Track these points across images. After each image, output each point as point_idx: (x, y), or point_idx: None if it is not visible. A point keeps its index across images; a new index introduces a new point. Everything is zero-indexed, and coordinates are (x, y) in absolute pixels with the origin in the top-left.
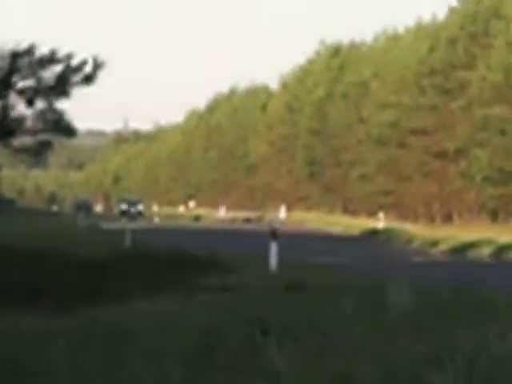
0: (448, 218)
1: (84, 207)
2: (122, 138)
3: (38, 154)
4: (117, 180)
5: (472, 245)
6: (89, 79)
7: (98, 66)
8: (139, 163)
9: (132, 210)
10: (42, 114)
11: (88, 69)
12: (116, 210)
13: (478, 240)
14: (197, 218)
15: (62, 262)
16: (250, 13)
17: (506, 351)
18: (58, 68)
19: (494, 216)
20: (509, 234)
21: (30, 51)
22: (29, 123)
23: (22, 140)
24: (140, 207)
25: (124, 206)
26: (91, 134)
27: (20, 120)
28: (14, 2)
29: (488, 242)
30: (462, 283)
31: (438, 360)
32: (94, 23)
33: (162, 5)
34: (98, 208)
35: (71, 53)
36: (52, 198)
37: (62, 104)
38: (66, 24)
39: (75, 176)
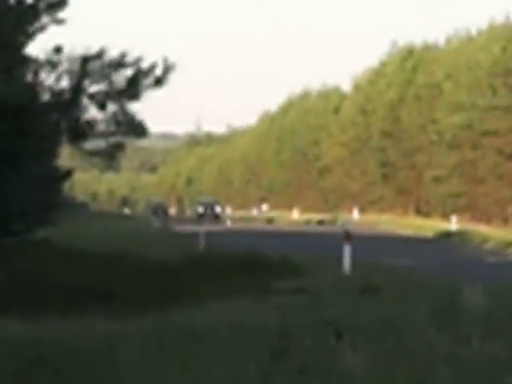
0: None
1: (160, 210)
2: (194, 141)
3: (110, 156)
4: (189, 182)
5: None
6: (159, 82)
7: (168, 68)
8: (212, 166)
9: (209, 212)
10: (113, 117)
11: (158, 71)
12: (194, 213)
13: None
14: (270, 221)
15: (136, 265)
16: (322, 14)
17: None
18: (128, 71)
19: None
20: None
21: (100, 55)
22: (101, 126)
23: (94, 143)
24: (218, 209)
25: (201, 209)
26: (163, 136)
27: (92, 123)
28: (83, 6)
29: None
30: None
31: None
32: (164, 24)
33: (234, 6)
34: (172, 210)
35: (141, 56)
36: (124, 201)
37: (133, 107)
38: (136, 26)
39: (148, 179)
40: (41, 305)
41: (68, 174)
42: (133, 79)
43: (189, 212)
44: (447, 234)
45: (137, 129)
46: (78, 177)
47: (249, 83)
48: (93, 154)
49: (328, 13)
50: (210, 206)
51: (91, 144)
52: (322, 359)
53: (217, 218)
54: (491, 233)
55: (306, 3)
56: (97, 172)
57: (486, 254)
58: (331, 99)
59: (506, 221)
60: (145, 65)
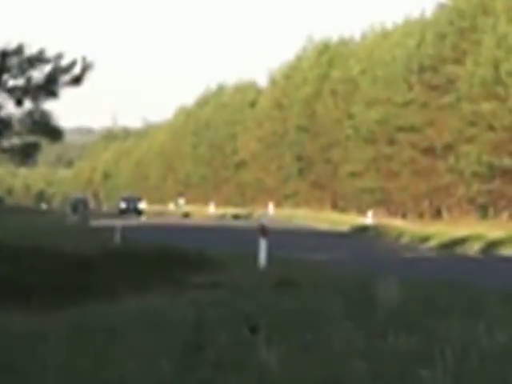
0: (437, 214)
1: (81, 205)
2: (111, 136)
3: (25, 155)
4: (106, 177)
5: (461, 240)
6: (77, 80)
7: (86, 66)
8: (129, 160)
9: (132, 207)
10: (29, 115)
11: (77, 70)
12: (116, 208)
13: (468, 236)
14: (186, 215)
15: (51, 259)
16: (238, 9)
17: (494, 346)
18: (47, 68)
19: (484, 211)
20: (498, 230)
21: (19, 50)
22: (16, 124)
23: (9, 140)
24: (141, 205)
25: (124, 204)
26: (80, 131)
27: (8, 120)
28: (2, 2)
29: (477, 237)
30: (452, 279)
31: (427, 356)
32: (81, 22)
33: (148, 3)
34: (90, 204)
35: (60, 53)
36: (41, 196)
37: (49, 103)
38: (55, 24)
39: (64, 173)
40: None
41: None
42: (51, 76)
43: (105, 207)
44: (363, 229)
45: (52, 131)
46: None
47: (165, 78)
48: (7, 151)
49: (244, 7)
50: (132, 202)
51: (6, 141)
52: (237, 354)
53: (140, 213)
54: (407, 227)
55: None
56: (12, 166)
57: (401, 248)
58: (247, 93)
59: (421, 215)
60: (64, 62)
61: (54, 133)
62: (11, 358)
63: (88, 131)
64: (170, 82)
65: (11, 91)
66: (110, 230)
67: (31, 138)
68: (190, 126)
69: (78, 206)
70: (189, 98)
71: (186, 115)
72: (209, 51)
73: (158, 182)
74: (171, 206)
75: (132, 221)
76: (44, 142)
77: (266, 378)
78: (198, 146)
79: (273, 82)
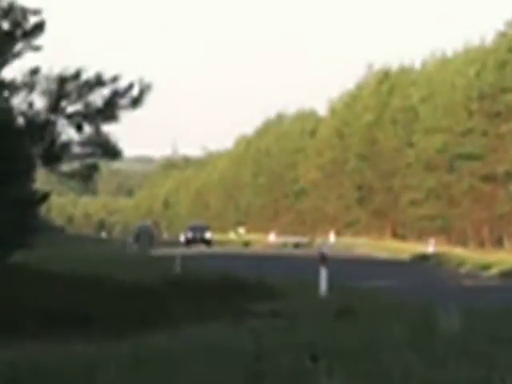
0: (498, 242)
1: (145, 236)
2: (170, 164)
3: (86, 178)
4: (166, 206)
5: None
6: (136, 102)
7: (144, 88)
8: (189, 189)
9: (198, 237)
10: (88, 139)
11: (135, 92)
12: (183, 238)
13: None
14: (246, 244)
15: (113, 288)
16: (298, 37)
17: None
18: (105, 91)
19: None
20: None
21: (77, 75)
22: (76, 148)
23: (70, 165)
24: (208, 234)
25: (190, 234)
26: (140, 160)
27: (67, 145)
28: (59, 27)
29: None
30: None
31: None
32: (141, 47)
33: (212, 29)
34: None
35: (117, 75)
36: (101, 225)
37: (109, 128)
38: (112, 46)
39: (125, 202)
40: (17, 329)
41: (44, 197)
42: (109, 99)
43: (166, 236)
44: (424, 257)
45: (111, 151)
46: (55, 200)
47: (225, 106)
48: (68, 175)
49: (304, 36)
50: (200, 231)
51: (67, 166)
52: (299, 382)
53: (208, 243)
54: (467, 255)
55: (282, 26)
56: (73, 195)
57: (462, 277)
58: (307, 122)
59: (481, 244)
60: (121, 85)
61: (113, 152)
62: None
63: (148, 160)
64: (230, 111)
65: (69, 117)
66: (171, 258)
67: (90, 161)
68: (250, 155)
69: (141, 234)
70: (249, 127)
71: (246, 144)
72: (269, 80)
73: (218, 211)
74: (231, 235)
75: (193, 249)
76: (105, 171)
77: None
78: (259, 174)
79: (333, 110)
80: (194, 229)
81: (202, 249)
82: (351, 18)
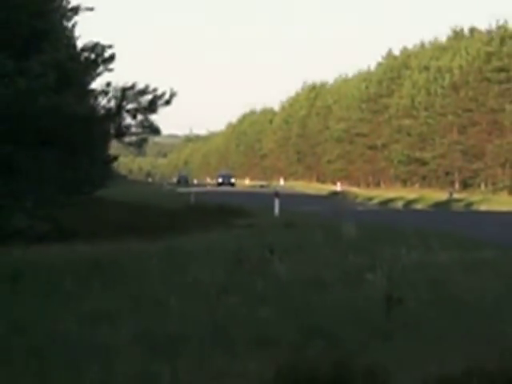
0: (378, 184)
1: (183, 179)
2: (188, 139)
3: (139, 146)
4: (185, 163)
5: (391, 200)
6: (168, 102)
7: (172, 94)
8: (199, 154)
9: (227, 181)
10: (141, 123)
11: (167, 96)
12: (215, 181)
13: (395, 197)
14: (232, 185)
15: (154, 210)
16: (256, 59)
17: (411, 261)
18: (149, 96)
19: (404, 183)
20: (413, 194)
21: (133, 86)
22: (133, 128)
23: (130, 138)
24: (232, 180)
25: (220, 179)
26: (170, 136)
27: (128, 126)
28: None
29: (401, 198)
30: (386, 222)
31: (371, 266)
32: (167, 67)
33: (206, 36)
34: (175, 179)
35: (156, 87)
36: (148, 174)
37: (153, 117)
38: (152, 68)
39: (162, 161)
40: (99, 234)
41: (115, 158)
42: (152, 101)
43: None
44: (335, 193)
45: (154, 130)
46: (121, 160)
47: (221, 102)
48: (129, 144)
49: (259, 60)
50: (227, 177)
51: (128, 139)
52: (262, 265)
53: (232, 185)
54: (360, 192)
55: (241, 44)
56: (132, 157)
57: (356, 204)
58: (268, 114)
59: (368, 185)
60: (159, 92)
61: (155, 130)
62: (128, 266)
63: (175, 137)
64: (222, 107)
65: (129, 111)
66: (189, 194)
67: (142, 136)
68: (235, 134)
69: (181, 178)
70: (234, 117)
71: (232, 127)
72: (248, 85)
73: (216, 166)
74: (208, 180)
75: (201, 189)
76: (151, 143)
77: (279, 279)
78: (239, 145)
79: (283, 108)
80: (223, 176)
81: (206, 189)
82: (292, 43)
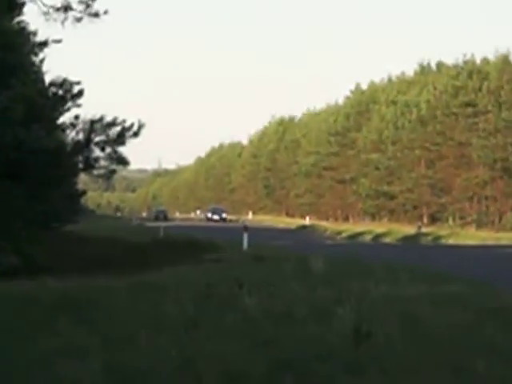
0: (346, 219)
1: (162, 215)
2: (157, 173)
3: (108, 178)
4: (154, 198)
5: (360, 234)
6: (136, 134)
7: (141, 126)
8: (167, 188)
9: (217, 217)
10: (109, 155)
11: (135, 128)
12: (203, 216)
13: (364, 231)
14: (201, 220)
15: (123, 245)
16: (219, 92)
17: (379, 294)
18: (117, 128)
19: (373, 217)
20: (381, 228)
21: (101, 119)
22: (101, 161)
23: (99, 171)
24: (224, 215)
25: (210, 214)
26: (139, 171)
27: (97, 159)
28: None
29: (369, 232)
30: (355, 256)
31: (340, 300)
32: (132, 96)
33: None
34: (144, 214)
35: (124, 119)
36: (117, 208)
37: (121, 149)
38: (120, 99)
39: (130, 195)
40: (67, 269)
41: (84, 192)
42: (120, 133)
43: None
44: (303, 227)
45: (123, 161)
46: (89, 194)
47: (188, 137)
48: (98, 177)
49: (222, 93)
50: (219, 212)
51: (96, 171)
52: (231, 300)
53: (224, 220)
54: (328, 226)
55: (214, 75)
56: (100, 191)
57: (325, 238)
58: (236, 148)
59: (336, 219)
60: (127, 124)
61: (124, 162)
62: (97, 299)
63: (144, 171)
64: (191, 141)
65: (97, 144)
66: (158, 228)
67: (111, 167)
68: (204, 168)
69: (160, 214)
70: (203, 151)
71: (201, 161)
72: (216, 119)
73: (184, 201)
74: (192, 215)
75: (170, 223)
76: (119, 178)
77: (248, 313)
78: (208, 179)
79: (251, 141)
80: (213, 210)
81: (177, 222)
82: (257, 76)
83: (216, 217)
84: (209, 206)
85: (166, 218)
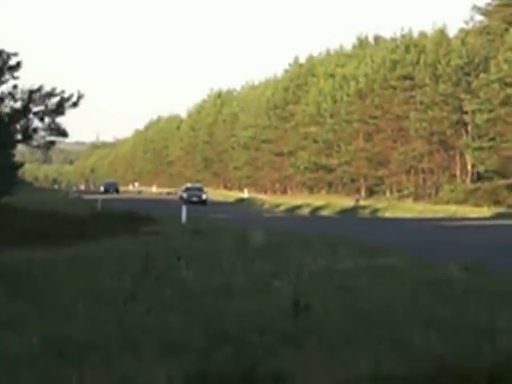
0: (285, 191)
1: (112, 188)
2: (95, 146)
3: (46, 149)
4: (92, 171)
5: (298, 207)
6: (75, 104)
7: (80, 96)
8: (105, 161)
9: (194, 195)
10: (48, 126)
11: (74, 98)
12: (181, 196)
13: (302, 204)
14: (139, 192)
15: (61, 217)
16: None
17: (317, 267)
18: (56, 98)
19: (311, 190)
20: (319, 201)
21: (40, 89)
22: (40, 132)
23: (37, 142)
24: (204, 196)
25: (185, 194)
26: (77, 143)
27: (36, 129)
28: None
29: (307, 205)
30: (292, 228)
31: (279, 273)
32: (79, 64)
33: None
34: (81, 187)
35: (64, 89)
36: (54, 181)
37: (60, 120)
38: (60, 69)
39: (68, 168)
40: (3, 242)
41: (21, 165)
42: (59, 103)
43: (92, 187)
44: (242, 200)
45: (62, 132)
46: (26, 167)
47: (128, 110)
48: (36, 147)
49: (175, 68)
50: (195, 190)
51: (35, 141)
52: (169, 272)
53: (204, 202)
54: (267, 199)
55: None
56: (37, 164)
57: (263, 211)
58: (175, 121)
59: (275, 192)
60: (66, 94)
61: (63, 133)
62: (34, 274)
63: (82, 144)
64: (129, 114)
65: (36, 113)
66: (95, 201)
67: (50, 139)
68: (142, 141)
69: (109, 188)
70: (141, 124)
71: (139, 134)
72: (154, 92)
73: (123, 174)
74: (130, 187)
75: (108, 196)
76: (57, 149)
77: (186, 286)
78: (146, 152)
79: (189, 115)
80: (189, 189)
81: (113, 195)
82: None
83: (195, 198)
84: (182, 186)
85: (117, 192)
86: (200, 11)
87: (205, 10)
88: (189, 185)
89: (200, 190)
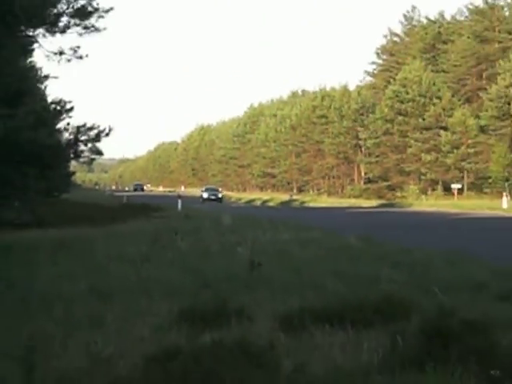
0: (244, 190)
1: (139, 187)
2: (122, 161)
3: (89, 164)
4: (120, 177)
5: (253, 200)
6: (107, 134)
7: (110, 130)
8: (128, 170)
9: (212, 195)
10: (90, 149)
11: (106, 131)
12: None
13: (255, 198)
14: (151, 191)
15: (100, 207)
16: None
17: (266, 238)
18: (95, 131)
19: (261, 189)
20: (267, 196)
21: (84, 125)
22: (85, 153)
23: (83, 159)
24: (220, 194)
25: (205, 194)
26: (110, 159)
27: (82, 151)
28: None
29: (259, 199)
30: (249, 214)
31: (240, 242)
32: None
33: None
34: (113, 187)
35: (99, 125)
36: (96, 184)
37: (98, 144)
38: (96, 107)
39: (104, 175)
40: (64, 222)
41: (73, 173)
42: (97, 134)
43: (121, 188)
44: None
45: (99, 153)
46: (77, 174)
47: (143, 135)
48: (83, 163)
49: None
50: (213, 191)
51: (81, 159)
52: (170, 243)
53: (218, 200)
54: (233, 195)
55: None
56: (84, 172)
57: (231, 203)
58: (173, 145)
59: (238, 190)
60: (101, 128)
61: (100, 153)
62: (83, 242)
63: (113, 159)
64: (144, 138)
65: (82, 141)
66: (122, 197)
67: (91, 157)
68: (152, 157)
69: (137, 187)
70: (152, 146)
71: (151, 153)
72: (159, 124)
73: (140, 179)
74: (145, 188)
75: (133, 193)
76: (97, 164)
77: (181, 251)
78: (155, 164)
79: (183, 141)
80: (208, 190)
81: (136, 193)
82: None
83: (212, 197)
84: (202, 187)
85: (142, 190)
86: (184, 57)
87: (184, 58)
88: (208, 186)
89: (216, 190)
